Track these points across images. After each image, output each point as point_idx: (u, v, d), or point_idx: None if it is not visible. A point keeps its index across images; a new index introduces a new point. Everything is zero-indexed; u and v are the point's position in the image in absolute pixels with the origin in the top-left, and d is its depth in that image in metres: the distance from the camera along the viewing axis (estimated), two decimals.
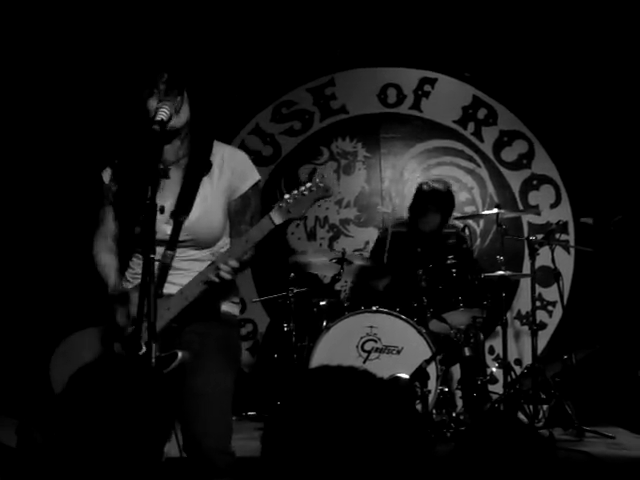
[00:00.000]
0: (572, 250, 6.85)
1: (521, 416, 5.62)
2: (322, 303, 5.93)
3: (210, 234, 3.14)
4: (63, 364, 3.10)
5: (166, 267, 3.09)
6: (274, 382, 6.13)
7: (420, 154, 7.08)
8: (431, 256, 5.70)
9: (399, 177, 6.98)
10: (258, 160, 7.05)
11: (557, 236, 6.09)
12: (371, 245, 6.54)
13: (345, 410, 1.44)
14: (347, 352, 5.38)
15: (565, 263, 6.71)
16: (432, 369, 5.19)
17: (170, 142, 3.13)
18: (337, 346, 5.43)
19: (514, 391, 5.67)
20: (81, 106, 6.73)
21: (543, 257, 6.10)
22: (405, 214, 6.16)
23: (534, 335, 5.79)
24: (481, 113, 7.07)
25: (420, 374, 5.08)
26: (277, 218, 2.97)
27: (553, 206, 6.96)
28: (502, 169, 7.03)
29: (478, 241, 6.90)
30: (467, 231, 6.04)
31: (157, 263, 2.96)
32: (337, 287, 6.66)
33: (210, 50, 6.89)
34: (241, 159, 3.23)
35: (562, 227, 6.48)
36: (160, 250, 3.02)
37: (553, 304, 6.85)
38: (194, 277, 3.03)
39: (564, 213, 6.90)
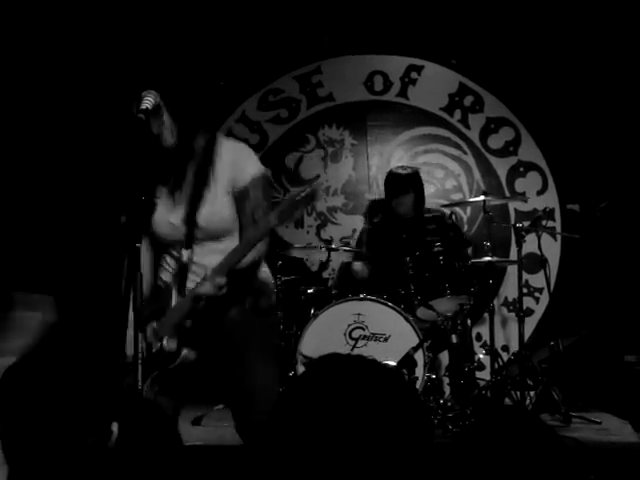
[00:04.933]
0: (559, 237, 6.87)
1: (508, 402, 5.65)
2: (310, 291, 5.93)
3: (223, 228, 3.18)
4: None
5: (185, 266, 3.17)
6: None
7: (407, 141, 7.09)
8: (416, 242, 5.72)
9: (386, 164, 6.97)
10: None
11: (544, 223, 6.09)
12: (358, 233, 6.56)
13: (349, 398, 1.44)
14: (335, 340, 5.39)
15: (552, 250, 6.73)
16: (419, 356, 5.21)
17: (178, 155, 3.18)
18: (325, 334, 5.44)
19: (501, 378, 5.69)
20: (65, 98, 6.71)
21: (530, 244, 6.11)
22: None
23: (521, 322, 5.81)
24: (467, 100, 7.07)
25: (408, 361, 5.09)
26: (274, 220, 2.97)
27: (540, 193, 6.98)
28: (489, 156, 7.04)
29: (465, 228, 6.91)
30: (454, 217, 6.05)
31: (177, 263, 3.16)
32: (325, 275, 6.66)
33: (196, 37, 6.86)
34: (240, 152, 3.25)
35: (549, 214, 6.49)
36: (178, 249, 3.18)
37: (540, 291, 6.87)
38: (193, 288, 3.09)
39: (551, 200, 6.92)
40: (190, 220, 3.14)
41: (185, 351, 3.07)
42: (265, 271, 3.38)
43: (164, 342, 3.10)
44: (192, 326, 3.10)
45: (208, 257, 3.13)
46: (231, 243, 3.13)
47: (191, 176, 3.19)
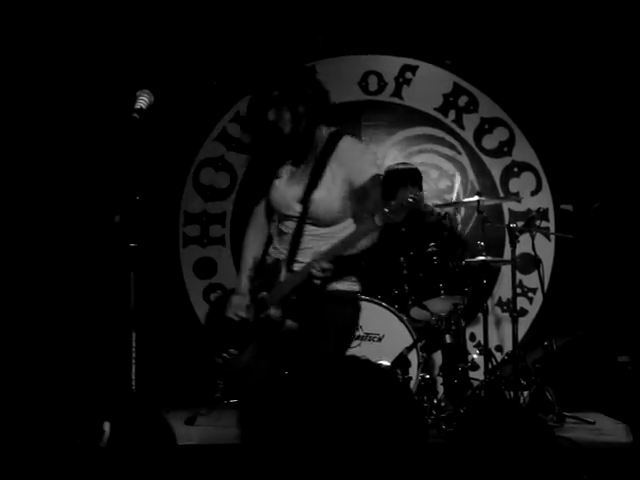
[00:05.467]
0: (552, 237, 6.88)
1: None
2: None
3: (329, 217, 3.49)
4: None
5: (296, 244, 3.51)
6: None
7: (401, 142, 7.08)
8: (415, 235, 5.71)
9: (380, 165, 6.96)
10: (239, 147, 7.04)
11: (537, 223, 6.09)
12: None
13: (343, 399, 1.44)
14: None
15: (545, 250, 6.74)
16: (413, 356, 5.22)
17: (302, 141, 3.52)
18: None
19: (495, 378, 5.70)
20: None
21: (524, 244, 6.12)
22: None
23: (515, 322, 5.81)
24: (462, 100, 7.07)
25: (401, 361, 5.10)
26: (379, 221, 3.24)
27: (534, 193, 6.99)
28: (483, 156, 7.04)
29: (459, 228, 6.91)
30: (447, 218, 6.06)
31: (288, 237, 3.53)
32: None
33: (191, 37, 6.86)
34: (360, 154, 3.55)
35: (542, 214, 6.47)
36: (290, 224, 3.53)
37: (534, 291, 6.88)
38: (303, 267, 3.41)
39: (544, 200, 6.92)
40: (305, 201, 3.47)
41: (289, 321, 3.45)
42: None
43: (271, 311, 3.46)
44: (296, 300, 3.44)
45: (316, 240, 3.47)
46: (338, 232, 3.46)
47: (311, 163, 3.51)
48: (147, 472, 1.78)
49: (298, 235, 3.51)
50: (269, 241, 3.70)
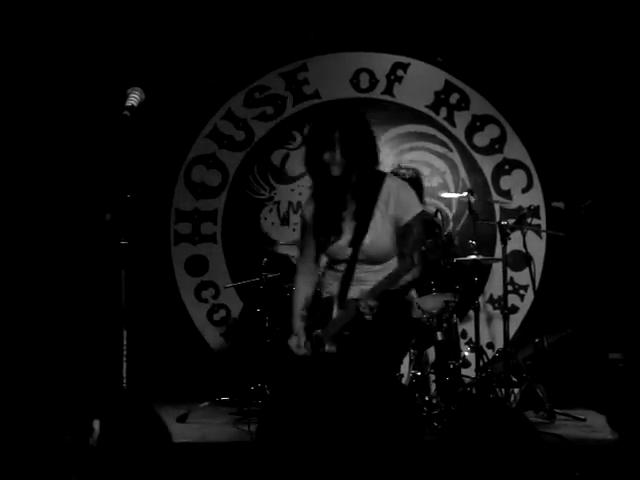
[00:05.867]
0: (544, 234, 6.89)
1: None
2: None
3: (381, 255, 3.68)
4: None
5: (347, 283, 3.67)
6: (247, 367, 6.13)
7: (393, 139, 7.09)
8: None
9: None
10: (231, 145, 7.04)
11: (529, 220, 6.10)
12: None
13: (336, 395, 1.44)
14: None
15: (537, 247, 6.76)
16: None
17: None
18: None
19: (486, 375, 5.71)
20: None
21: (515, 241, 6.14)
22: None
23: (506, 319, 5.82)
24: (453, 98, 7.08)
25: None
26: (417, 260, 3.46)
27: (525, 191, 7.00)
28: (474, 154, 7.05)
29: (451, 225, 6.92)
30: (439, 216, 6.06)
31: (339, 276, 3.71)
32: None
33: (182, 35, 6.85)
34: (406, 193, 3.73)
35: (534, 211, 6.50)
36: (341, 267, 3.71)
37: (525, 288, 6.89)
38: (350, 304, 3.60)
39: (536, 197, 6.93)
40: (355, 244, 3.66)
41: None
42: (410, 295, 3.82)
43: (327, 347, 3.60)
44: (349, 335, 3.59)
45: (367, 276, 3.65)
46: (387, 267, 3.65)
47: (354, 206, 3.70)
48: (142, 469, 1.78)
49: (349, 274, 3.69)
50: (321, 279, 3.91)
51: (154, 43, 6.81)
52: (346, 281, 3.71)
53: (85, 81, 6.62)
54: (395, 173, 5.96)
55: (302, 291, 3.91)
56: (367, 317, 3.50)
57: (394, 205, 3.68)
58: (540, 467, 1.44)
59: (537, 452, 1.48)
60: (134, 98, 2.98)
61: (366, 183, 3.70)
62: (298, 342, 3.75)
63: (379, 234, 3.67)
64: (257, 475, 1.48)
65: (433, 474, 1.60)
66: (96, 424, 1.73)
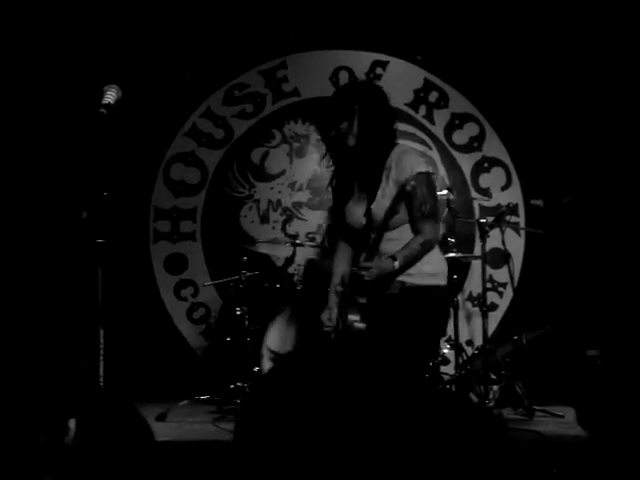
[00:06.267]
0: (522, 232, 6.92)
1: (472, 396, 5.68)
2: (275, 286, 5.93)
3: (392, 220, 3.76)
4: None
5: (371, 253, 3.80)
6: (227, 366, 6.12)
7: None
8: None
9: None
10: (210, 143, 7.02)
11: (507, 218, 6.14)
12: (324, 227, 6.60)
13: (320, 393, 1.43)
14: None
15: (515, 245, 6.78)
16: None
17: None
18: (290, 330, 5.44)
19: (465, 372, 5.73)
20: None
21: (494, 239, 6.16)
22: None
23: (485, 316, 5.85)
24: (432, 96, 7.09)
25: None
26: (425, 227, 3.79)
27: (504, 188, 7.02)
28: (453, 152, 7.06)
29: None
30: (451, 195, 6.06)
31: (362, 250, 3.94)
32: (290, 270, 6.66)
33: (160, 32, 6.82)
34: (408, 155, 3.84)
35: (512, 209, 6.54)
36: (360, 236, 3.89)
37: (504, 285, 6.91)
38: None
39: (514, 195, 6.96)
40: (367, 214, 3.81)
41: (358, 325, 3.73)
42: (433, 259, 3.89)
43: (350, 317, 3.75)
44: (366, 304, 3.74)
45: (384, 244, 3.77)
46: (403, 232, 3.80)
47: (365, 176, 3.86)
48: (120, 468, 1.77)
49: (366, 243, 3.85)
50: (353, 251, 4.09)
51: (132, 40, 6.78)
52: (369, 249, 3.83)
53: (61, 78, 6.59)
54: None
55: (340, 267, 4.06)
56: (366, 278, 3.64)
57: (395, 168, 3.79)
58: (510, 464, 1.44)
59: (505, 447, 1.47)
60: (111, 95, 2.97)
61: (377, 154, 3.82)
62: (330, 315, 3.89)
63: (385, 200, 3.77)
64: (236, 474, 1.46)
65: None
66: (72, 423, 1.71)
